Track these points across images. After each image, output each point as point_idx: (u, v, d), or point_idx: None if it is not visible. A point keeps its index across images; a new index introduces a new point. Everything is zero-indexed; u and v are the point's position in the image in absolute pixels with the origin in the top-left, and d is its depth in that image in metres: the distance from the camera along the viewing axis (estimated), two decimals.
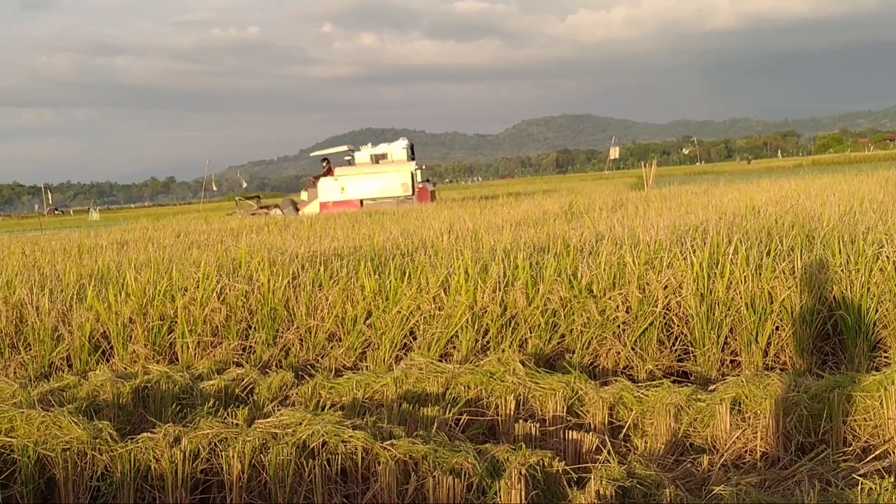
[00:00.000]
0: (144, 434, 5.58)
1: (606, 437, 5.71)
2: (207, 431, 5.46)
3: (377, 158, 40.24)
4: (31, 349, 9.33)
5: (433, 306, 8.68)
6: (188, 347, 9.02)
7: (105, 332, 9.30)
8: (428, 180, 42.64)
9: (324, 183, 38.60)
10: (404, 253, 11.27)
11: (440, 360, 7.68)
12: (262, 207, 40.80)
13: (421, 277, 9.07)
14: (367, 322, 8.80)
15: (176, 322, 9.17)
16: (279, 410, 5.86)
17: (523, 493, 4.64)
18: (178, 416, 6.58)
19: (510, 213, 20.95)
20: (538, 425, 6.01)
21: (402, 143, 40.93)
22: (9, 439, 5.72)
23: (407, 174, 39.24)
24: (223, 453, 5.36)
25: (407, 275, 9.21)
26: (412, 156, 40.90)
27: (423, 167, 42.20)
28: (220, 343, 9.08)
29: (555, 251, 9.92)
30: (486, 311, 8.54)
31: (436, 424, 5.93)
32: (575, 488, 4.88)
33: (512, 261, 9.26)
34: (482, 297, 8.57)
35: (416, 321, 8.65)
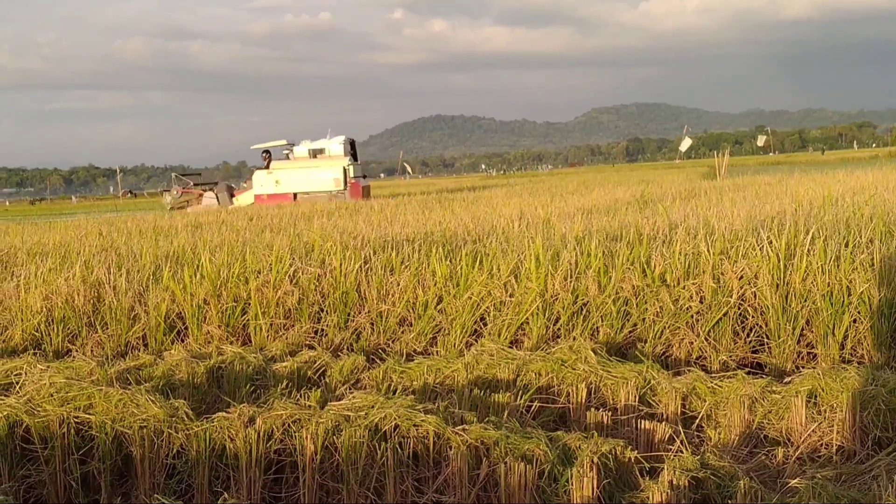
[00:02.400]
0: (220, 414, 5.65)
1: (680, 428, 5.66)
2: (281, 412, 5.50)
3: (315, 153, 40.39)
4: (107, 328, 9.50)
5: (504, 293, 8.67)
6: (261, 329, 9.12)
7: (180, 312, 9.43)
8: (365, 176, 43.32)
9: (258, 176, 38.83)
10: (476, 239, 11.26)
11: (510, 347, 7.66)
12: (191, 188, 40.26)
13: (492, 263, 9.06)
14: (438, 307, 8.82)
15: (249, 304, 9.27)
16: (351, 393, 5.89)
17: (595, 481, 4.62)
18: (252, 396, 6.64)
19: (581, 201, 20.83)
20: (610, 414, 5.97)
21: (339, 139, 41.09)
22: (87, 416, 5.82)
23: (339, 169, 39.37)
24: (296, 434, 5.39)
25: (478, 261, 9.21)
26: (352, 151, 41.08)
27: (359, 163, 42.58)
28: (293, 325, 9.16)
29: (627, 239, 9.85)
30: (557, 299, 8.50)
31: (507, 411, 5.93)
32: (647, 478, 4.84)
33: (584, 248, 9.21)
34: (553, 285, 8.54)
35: (487, 307, 8.65)
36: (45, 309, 9.72)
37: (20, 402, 5.92)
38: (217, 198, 37.25)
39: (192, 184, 41.97)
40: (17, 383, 6.67)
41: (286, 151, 40.47)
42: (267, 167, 39.25)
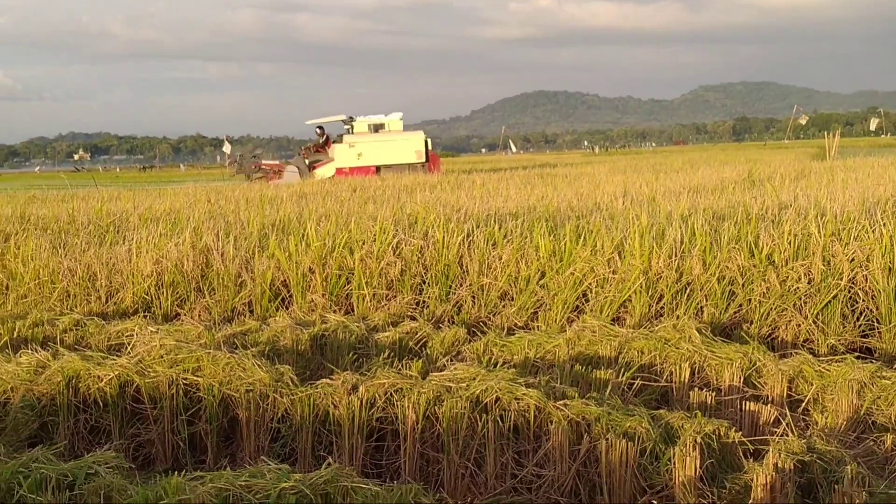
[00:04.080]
0: (323, 380, 5.73)
1: (786, 410, 5.56)
2: (384, 381, 5.56)
3: (375, 128, 40.10)
4: (214, 294, 9.70)
5: (607, 269, 8.61)
6: (364, 299, 9.21)
7: (285, 280, 9.58)
8: (433, 150, 42.33)
9: (341, 149, 38.37)
10: (579, 215, 11.19)
11: (612, 324, 7.60)
12: (265, 166, 39.35)
13: (596, 240, 9.00)
14: (540, 282, 8.80)
15: (353, 274, 9.37)
16: (453, 364, 5.92)
17: (698, 461, 4.57)
18: (355, 364, 6.72)
19: (687, 179, 20.55)
20: (713, 394, 5.90)
21: (398, 115, 40.81)
22: (196, 378, 5.96)
23: (421, 141, 39.20)
24: (398, 403, 5.44)
25: (582, 237, 9.16)
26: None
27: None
28: (395, 296, 9.24)
29: (734, 219, 9.68)
30: (660, 277, 8.41)
31: (609, 388, 5.89)
32: (751, 460, 4.77)
33: (689, 227, 9.09)
34: (657, 262, 8.45)
35: (590, 283, 8.60)
36: (155, 273, 9.97)
37: (131, 363, 6.09)
38: (299, 170, 37.23)
39: (258, 163, 41.68)
40: (129, 344, 6.86)
41: (347, 126, 40.28)
42: (326, 144, 39.27)
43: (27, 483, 4.16)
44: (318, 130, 40.06)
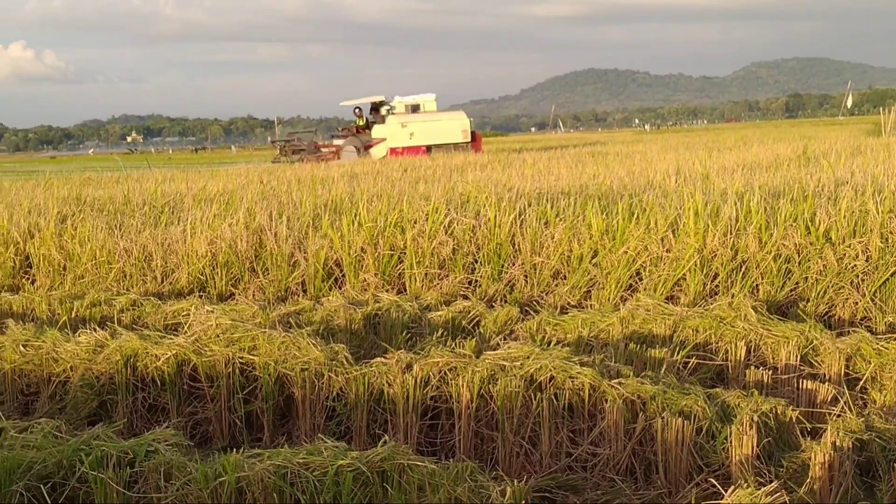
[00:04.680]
0: (378, 359, 5.76)
1: (844, 388, 5.50)
2: (438, 360, 5.57)
3: (412, 108, 40.49)
4: (268, 273, 9.77)
5: (661, 247, 8.56)
6: (416, 278, 9.24)
7: (338, 260, 9.62)
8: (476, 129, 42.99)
9: (393, 129, 38.66)
10: (631, 194, 11.12)
11: (666, 302, 7.56)
12: (322, 146, 39.55)
13: (649, 218, 8.94)
14: (593, 261, 8.77)
15: (405, 253, 9.39)
16: (506, 343, 5.93)
17: (755, 439, 4.53)
18: (408, 343, 6.75)
19: (740, 156, 20.34)
20: (770, 373, 5.85)
21: (431, 95, 41.40)
22: (251, 357, 6.01)
23: (466, 121, 40.09)
24: (452, 382, 5.46)
25: (635, 215, 9.10)
26: None
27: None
28: (447, 276, 9.25)
29: (790, 196, 9.57)
30: (715, 255, 8.35)
31: (664, 366, 5.87)
32: (809, 438, 4.72)
33: (745, 204, 9.00)
34: (712, 240, 8.38)
35: (643, 262, 8.55)
36: (209, 253, 10.06)
37: (188, 342, 6.16)
38: (357, 150, 37.58)
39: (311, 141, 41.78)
40: (185, 324, 6.94)
41: (388, 107, 40.55)
42: (367, 126, 39.53)
43: (89, 460, 4.22)
44: (356, 111, 40.35)
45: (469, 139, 39.73)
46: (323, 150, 38.12)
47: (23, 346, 6.58)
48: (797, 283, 8.00)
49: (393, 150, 37.42)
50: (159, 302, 8.36)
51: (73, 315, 8.26)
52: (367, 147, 38.13)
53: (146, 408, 6.14)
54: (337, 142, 39.23)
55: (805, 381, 5.65)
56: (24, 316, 8.42)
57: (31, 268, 11.27)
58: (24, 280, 11.14)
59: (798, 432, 4.85)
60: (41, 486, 4.16)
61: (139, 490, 4.17)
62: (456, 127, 40.14)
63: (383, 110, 40.18)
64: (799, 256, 8.08)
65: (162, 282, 10.16)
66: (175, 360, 6.05)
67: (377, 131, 39.07)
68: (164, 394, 6.08)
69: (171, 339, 6.24)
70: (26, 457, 4.25)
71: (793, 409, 4.92)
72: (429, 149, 37.74)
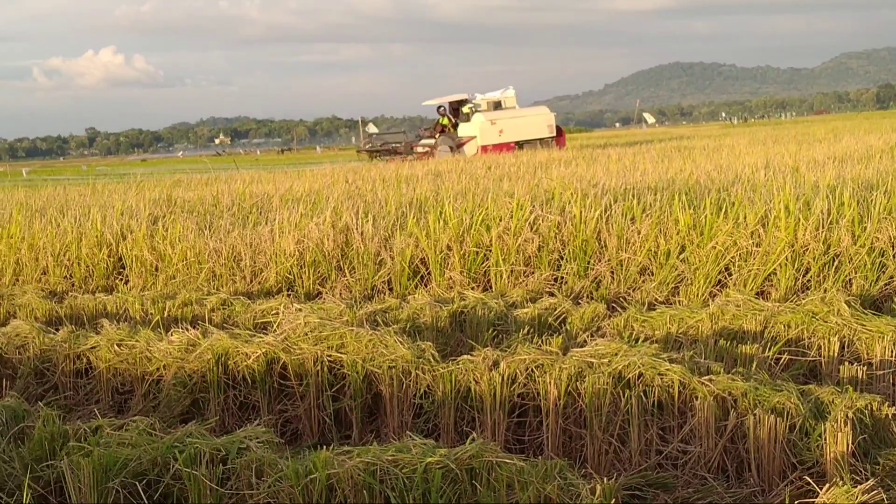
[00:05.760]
0: (464, 356, 5.76)
1: None
2: (524, 357, 5.56)
3: (495, 105, 40.40)
4: (355, 272, 9.84)
5: (750, 242, 8.43)
6: (501, 276, 9.23)
7: (423, 258, 9.66)
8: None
9: (482, 126, 38.64)
10: (719, 188, 10.97)
11: (756, 298, 7.44)
12: (417, 144, 39.63)
13: (738, 212, 8.82)
14: (681, 257, 8.67)
15: (490, 251, 9.39)
16: (593, 340, 5.89)
17: (850, 436, 4.43)
18: (494, 341, 6.74)
19: (831, 149, 19.94)
20: (864, 369, 5.72)
21: (511, 91, 41.23)
22: (339, 355, 6.06)
23: (550, 116, 40.30)
24: (539, 379, 5.44)
25: (723, 210, 8.98)
26: None
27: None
28: (533, 273, 9.23)
29: (884, 188, 9.36)
30: (807, 249, 8.20)
31: (755, 363, 5.78)
32: None
33: (837, 197, 8.82)
34: (804, 234, 8.24)
35: (732, 257, 8.44)
36: (296, 253, 10.17)
37: (277, 340, 6.23)
38: (450, 149, 37.89)
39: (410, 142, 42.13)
40: (274, 322, 7.03)
41: (472, 105, 40.62)
42: (454, 126, 39.71)
43: (182, 457, 4.29)
44: (440, 110, 40.61)
45: (554, 133, 39.90)
46: (417, 149, 38.40)
47: (117, 345, 6.72)
48: (892, 277, 7.83)
49: (483, 148, 37.58)
50: (249, 301, 8.47)
51: (166, 315, 8.41)
52: (460, 145, 38.41)
53: (237, 406, 6.23)
54: (426, 141, 39.50)
55: None
56: (119, 316, 8.59)
57: (124, 269, 11.51)
58: (117, 281, 11.38)
59: (894, 429, 4.75)
60: (136, 483, 4.25)
61: (232, 487, 4.23)
62: (542, 122, 40.41)
63: (466, 108, 40.37)
64: (894, 250, 7.90)
65: (251, 281, 10.30)
66: (265, 358, 6.13)
67: (464, 129, 39.40)
68: (254, 392, 6.16)
69: (261, 337, 6.32)
70: (122, 454, 4.34)
71: (889, 406, 4.81)
72: (519, 145, 37.91)
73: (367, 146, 42.43)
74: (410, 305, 7.75)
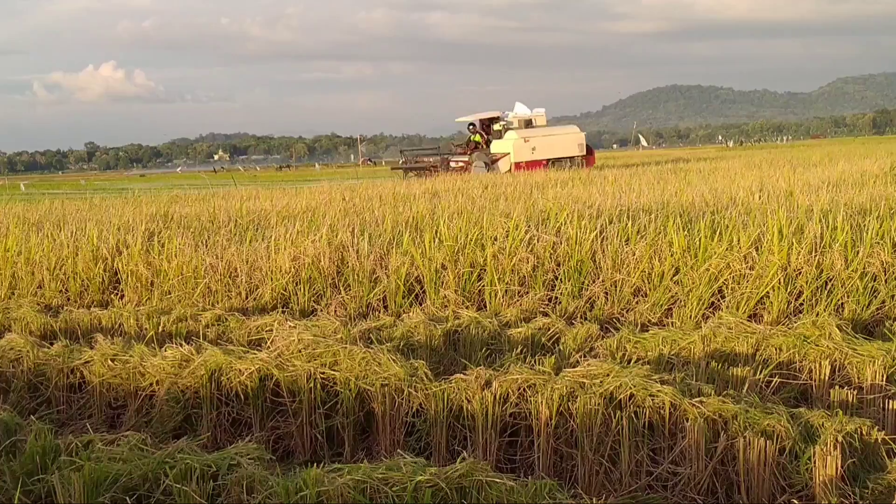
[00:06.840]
0: (457, 375, 5.78)
1: None
2: (517, 377, 5.58)
3: (526, 123, 41.12)
4: (350, 289, 9.86)
5: (743, 265, 8.46)
6: (496, 295, 9.24)
7: (418, 276, 9.68)
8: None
9: (516, 143, 39.10)
10: (714, 210, 11.01)
11: (749, 321, 7.47)
12: (452, 160, 40.08)
13: (732, 235, 8.85)
14: (675, 278, 8.70)
15: (485, 270, 9.41)
16: (586, 360, 5.90)
17: (839, 460, 4.46)
18: (487, 360, 6.76)
19: (825, 173, 20.00)
20: (855, 393, 5.74)
21: (542, 110, 42.13)
22: (333, 372, 6.08)
23: (581, 135, 41.08)
24: (531, 399, 5.45)
25: (717, 232, 9.02)
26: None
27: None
28: (527, 293, 9.25)
29: (876, 213, 9.40)
30: (799, 273, 8.23)
31: (746, 385, 5.80)
32: (895, 460, 4.64)
33: (830, 222, 8.86)
34: (796, 258, 8.27)
35: (725, 279, 8.46)
36: (292, 269, 10.19)
37: (271, 357, 6.25)
38: (485, 165, 38.31)
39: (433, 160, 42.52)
40: (268, 339, 7.04)
41: (505, 122, 41.10)
42: (487, 143, 40.07)
43: (173, 473, 4.30)
44: (470, 127, 41.06)
45: (584, 152, 40.46)
46: (452, 164, 38.76)
47: (111, 360, 6.73)
48: (883, 302, 7.85)
49: (517, 165, 37.91)
50: (243, 317, 8.48)
51: (160, 330, 8.42)
52: (493, 161, 38.86)
53: (230, 422, 6.24)
54: (460, 158, 39.83)
55: (891, 402, 5.53)
56: (113, 331, 8.59)
57: (119, 283, 11.51)
58: (113, 295, 11.38)
59: (884, 453, 4.77)
60: (127, 498, 4.26)
61: (222, 503, 4.24)
62: (573, 140, 41.27)
63: (497, 126, 40.84)
64: (885, 275, 7.94)
65: (246, 297, 10.31)
66: (258, 374, 6.14)
67: (497, 146, 39.88)
68: (247, 408, 6.18)
69: (255, 354, 6.34)
70: (113, 469, 4.35)
71: (879, 430, 4.84)
72: (550, 162, 38.49)
73: (402, 162, 42.91)
74: (405, 323, 7.77)
